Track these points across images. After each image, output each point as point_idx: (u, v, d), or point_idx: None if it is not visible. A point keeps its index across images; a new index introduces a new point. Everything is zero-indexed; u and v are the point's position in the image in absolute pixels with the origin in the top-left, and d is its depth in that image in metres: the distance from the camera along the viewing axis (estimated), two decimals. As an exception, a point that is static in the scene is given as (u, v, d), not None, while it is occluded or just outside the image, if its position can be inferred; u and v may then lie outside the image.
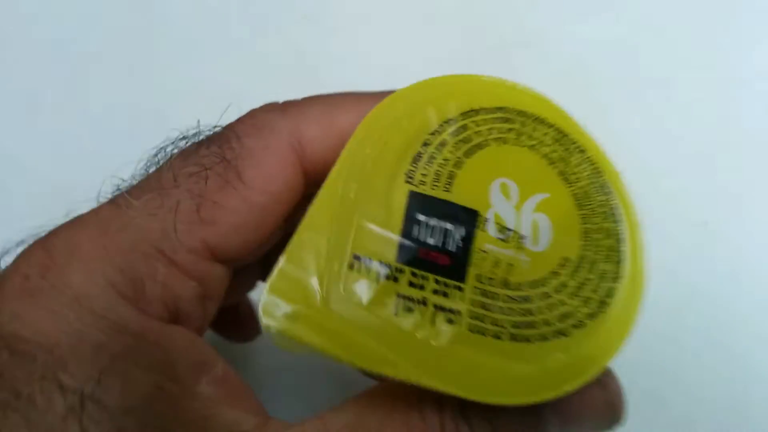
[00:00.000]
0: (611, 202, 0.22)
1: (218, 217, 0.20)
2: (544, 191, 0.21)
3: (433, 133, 0.21)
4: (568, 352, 0.19)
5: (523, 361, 0.19)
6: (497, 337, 0.19)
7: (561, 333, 0.20)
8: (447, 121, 0.21)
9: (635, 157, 0.27)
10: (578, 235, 0.21)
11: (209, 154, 0.20)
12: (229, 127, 0.21)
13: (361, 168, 0.19)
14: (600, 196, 0.22)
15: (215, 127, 0.21)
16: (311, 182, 0.22)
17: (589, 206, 0.21)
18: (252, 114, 0.22)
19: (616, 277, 0.21)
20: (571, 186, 0.22)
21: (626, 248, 0.21)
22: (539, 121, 0.22)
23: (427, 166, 0.20)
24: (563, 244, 0.21)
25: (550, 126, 0.22)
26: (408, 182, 0.20)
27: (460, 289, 0.19)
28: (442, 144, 0.20)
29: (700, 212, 0.36)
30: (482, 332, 0.19)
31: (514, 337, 0.19)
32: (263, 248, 0.22)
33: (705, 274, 0.35)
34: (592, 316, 0.20)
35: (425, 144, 0.20)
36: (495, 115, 0.21)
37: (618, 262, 0.21)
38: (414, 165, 0.20)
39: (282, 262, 0.18)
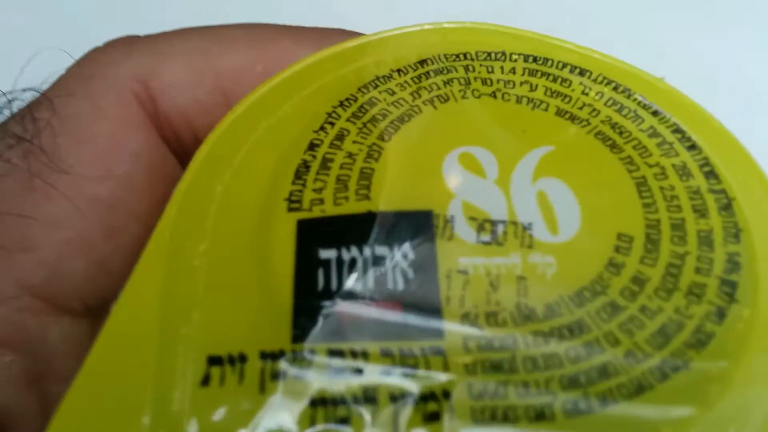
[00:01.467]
0: (665, 123, 0.12)
1: (34, 236, 0.12)
2: (539, 144, 0.12)
3: (321, 128, 0.12)
4: (703, 401, 0.09)
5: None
6: (540, 416, 0.09)
7: (671, 366, 0.09)
8: (342, 103, 0.13)
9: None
10: (630, 191, 0.11)
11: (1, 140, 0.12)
12: (47, 90, 0.13)
13: (210, 213, 0.11)
14: (639, 121, 0.12)
15: (26, 90, 0.13)
16: (180, 150, 0.14)
17: (630, 139, 0.12)
18: (83, 60, 0.14)
19: (734, 233, 0.11)
20: (584, 123, 0.12)
21: (728, 182, 0.12)
22: (495, 57, 0.14)
23: (320, 176, 0.12)
24: (607, 214, 0.11)
25: (517, 56, 0.13)
26: (293, 209, 0.11)
27: (438, 352, 0.10)
28: (340, 136, 0.12)
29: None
30: (506, 417, 0.09)
31: (575, 408, 0.09)
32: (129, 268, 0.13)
33: None
34: (720, 314, 0.10)
35: (312, 146, 0.12)
36: (418, 72, 0.13)
37: (725, 208, 0.11)
38: (299, 181, 0.12)
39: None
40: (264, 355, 0.09)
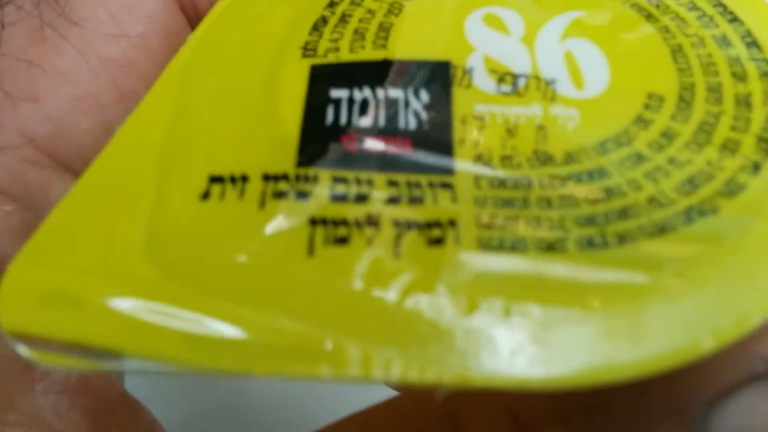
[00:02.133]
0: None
1: (41, 88, 0.11)
2: (570, 8, 0.11)
3: (343, -11, 0.12)
4: (730, 242, 0.08)
5: (628, 275, 0.08)
6: (551, 248, 0.08)
7: (699, 211, 0.09)
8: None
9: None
10: (664, 57, 0.11)
11: None
12: None
13: (222, 57, 0.11)
14: (679, -5, 0.12)
15: None
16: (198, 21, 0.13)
17: (667, 12, 0.11)
18: None
19: (775, 98, 0.10)
20: (618, -4, 0.12)
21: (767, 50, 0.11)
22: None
23: (338, 28, 0.11)
24: (638, 75, 0.11)
25: None
26: (307, 56, 0.11)
27: (447, 186, 0.09)
28: (361, -4, 0.12)
29: None
30: (515, 247, 0.08)
31: (589, 243, 0.09)
32: None
33: None
34: (755, 167, 0.09)
35: (332, 3, 0.12)
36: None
37: (766, 74, 0.10)
38: (315, 32, 0.11)
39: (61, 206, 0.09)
40: (267, 177, 0.09)
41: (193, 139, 0.10)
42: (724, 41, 0.11)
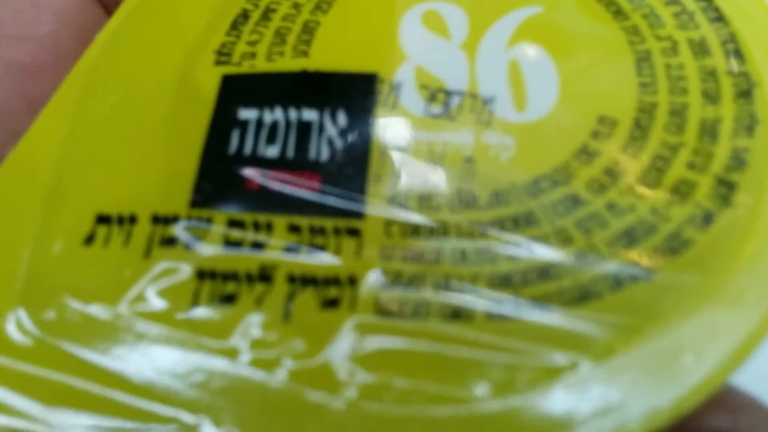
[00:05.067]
0: (689, -10, 0.10)
1: None
2: (525, 4, 0.10)
3: (271, -25, 0.11)
4: (656, 316, 0.08)
5: (533, 352, 0.07)
6: (456, 315, 0.08)
7: (629, 274, 0.08)
8: (299, -51, 0.11)
9: None
10: (627, 67, 0.09)
11: None
12: None
13: (129, 63, 0.10)
14: (658, -15, 0.10)
15: None
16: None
17: (641, 5, 0.10)
18: None
19: (747, 125, 0.09)
20: (585, -14, 0.10)
21: (754, 63, 0.09)
22: None
23: (258, 27, 0.10)
24: (591, 92, 0.09)
25: None
26: (221, 63, 0.10)
27: (354, 233, 0.08)
28: (290, -16, 0.10)
29: None
30: (416, 313, 0.08)
31: (500, 308, 0.08)
32: None
33: None
34: (706, 219, 0.08)
35: (256, -5, 0.10)
36: None
37: (744, 95, 0.09)
38: (234, 32, 0.10)
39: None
40: (156, 219, 0.08)
41: (85, 169, 0.09)
42: (701, 48, 0.09)
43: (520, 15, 0.10)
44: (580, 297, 0.08)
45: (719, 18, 0.10)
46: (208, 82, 0.09)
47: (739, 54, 0.09)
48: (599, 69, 0.09)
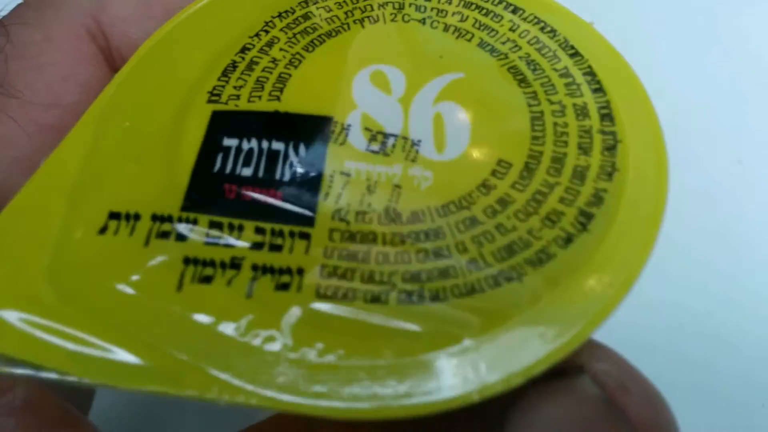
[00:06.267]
0: (580, 65, 0.13)
1: None
2: (451, 70, 0.13)
3: (256, 35, 0.13)
4: (521, 307, 0.10)
5: (429, 328, 0.10)
6: (375, 299, 0.10)
7: (506, 276, 0.10)
8: (280, 14, 0.14)
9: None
10: (524, 123, 0.12)
11: None
12: (3, 17, 0.14)
13: (139, 98, 0.13)
14: (555, 61, 0.13)
15: None
16: None
17: (541, 77, 0.13)
18: None
19: (608, 172, 0.12)
20: (501, 57, 0.13)
21: (621, 125, 0.12)
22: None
23: (243, 75, 0.13)
24: (495, 140, 0.12)
25: None
26: (212, 101, 0.12)
27: (305, 236, 0.11)
28: (270, 43, 0.13)
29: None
30: (345, 296, 0.10)
31: (408, 297, 0.10)
32: None
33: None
34: (567, 240, 0.11)
35: (244, 49, 0.13)
36: (358, -8, 0.14)
37: (609, 149, 0.12)
38: (224, 78, 0.13)
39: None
40: (155, 217, 0.11)
41: (101, 177, 0.11)
42: (582, 111, 0.12)
43: (446, 78, 0.13)
44: (468, 291, 0.10)
45: (599, 89, 0.13)
46: (202, 116, 0.12)
47: (610, 117, 0.12)
48: (502, 123, 0.12)
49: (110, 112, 0.12)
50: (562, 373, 0.10)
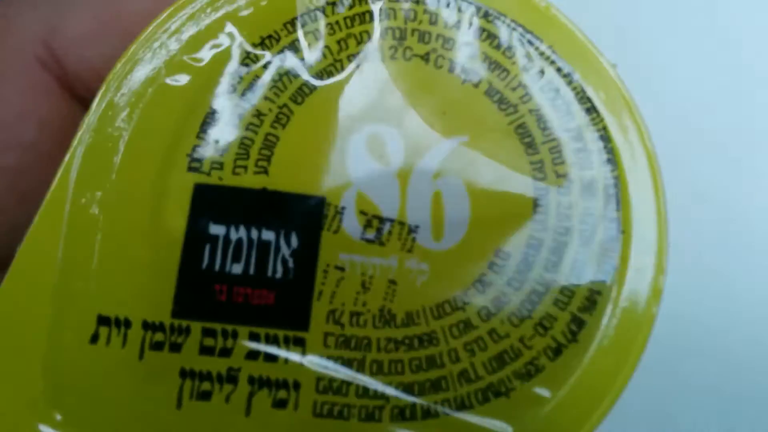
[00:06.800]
0: (594, 125, 0.12)
1: None
2: (454, 134, 0.12)
3: (236, 72, 0.12)
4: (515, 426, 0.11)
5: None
6: (370, 417, 0.11)
7: (494, 392, 0.11)
8: (263, 40, 0.12)
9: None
10: (526, 205, 0.12)
11: None
12: None
13: (107, 161, 0.11)
14: (568, 119, 0.12)
15: None
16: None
17: (549, 139, 0.12)
18: None
19: (606, 270, 0.11)
20: (510, 112, 0.12)
21: (627, 211, 0.12)
22: (442, 2, 0.12)
23: (225, 133, 0.11)
24: (494, 226, 0.12)
25: (468, 5, 0.12)
26: (193, 169, 0.11)
27: (299, 343, 0.11)
28: (252, 86, 0.12)
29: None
30: (341, 414, 0.11)
31: (401, 414, 0.11)
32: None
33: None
34: (556, 351, 0.11)
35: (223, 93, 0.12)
36: (354, 10, 0.12)
37: (611, 240, 0.12)
38: (203, 133, 0.11)
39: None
40: (146, 325, 0.11)
41: (84, 270, 0.11)
42: (589, 189, 0.12)
43: (448, 145, 0.12)
44: (459, 407, 0.11)
45: (611, 160, 0.12)
46: (182, 189, 0.11)
47: (616, 200, 0.12)
48: (504, 203, 0.12)
49: (81, 180, 0.11)
50: None
